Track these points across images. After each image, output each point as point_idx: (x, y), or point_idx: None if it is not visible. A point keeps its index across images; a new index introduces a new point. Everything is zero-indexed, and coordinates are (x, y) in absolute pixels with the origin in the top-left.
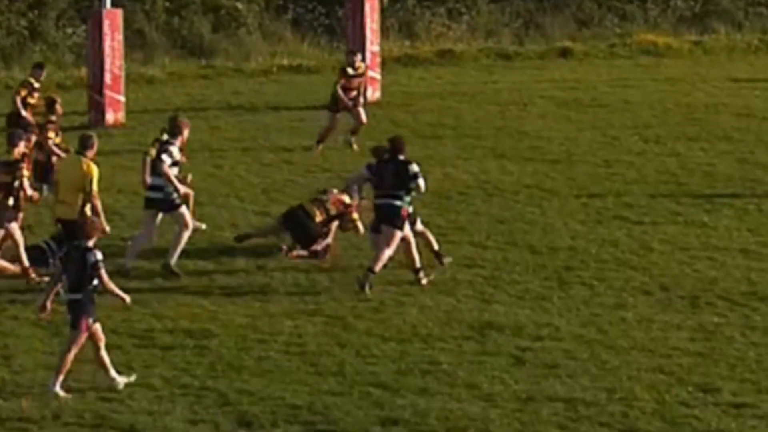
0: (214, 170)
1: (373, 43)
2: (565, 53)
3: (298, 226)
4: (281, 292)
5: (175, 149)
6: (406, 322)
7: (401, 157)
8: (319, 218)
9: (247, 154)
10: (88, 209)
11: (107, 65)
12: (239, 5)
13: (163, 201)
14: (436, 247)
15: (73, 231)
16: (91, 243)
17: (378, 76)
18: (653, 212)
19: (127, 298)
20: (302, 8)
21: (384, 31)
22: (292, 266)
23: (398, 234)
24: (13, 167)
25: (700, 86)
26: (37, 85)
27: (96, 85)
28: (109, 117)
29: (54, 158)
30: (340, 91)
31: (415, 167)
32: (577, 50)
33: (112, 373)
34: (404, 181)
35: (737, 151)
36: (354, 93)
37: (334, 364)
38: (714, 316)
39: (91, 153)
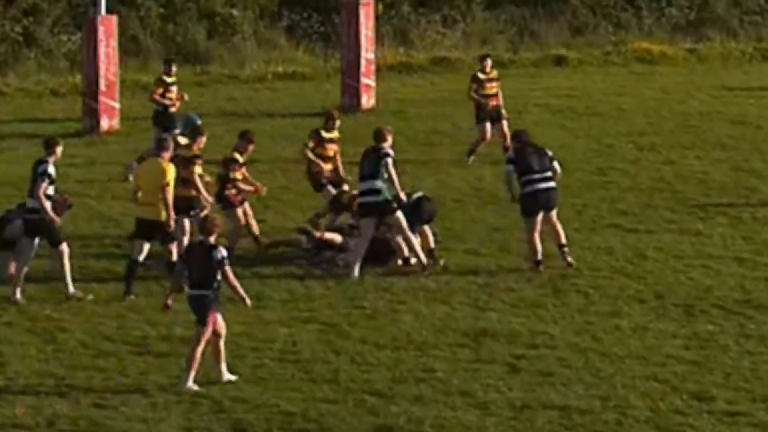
0: (208, 178)
1: (367, 51)
2: (559, 61)
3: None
4: (276, 299)
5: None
6: (401, 330)
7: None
8: None
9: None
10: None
11: (102, 72)
12: (234, 12)
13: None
14: (432, 246)
15: (152, 231)
16: (213, 239)
17: (372, 84)
18: (648, 220)
19: (248, 300)
20: (297, 15)
21: (379, 39)
22: (287, 273)
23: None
24: (191, 162)
25: (695, 94)
26: (170, 80)
27: (91, 91)
28: (104, 123)
29: None
30: (476, 96)
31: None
32: (572, 58)
33: (224, 366)
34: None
35: (732, 159)
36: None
37: (328, 371)
38: (708, 325)
39: (167, 154)
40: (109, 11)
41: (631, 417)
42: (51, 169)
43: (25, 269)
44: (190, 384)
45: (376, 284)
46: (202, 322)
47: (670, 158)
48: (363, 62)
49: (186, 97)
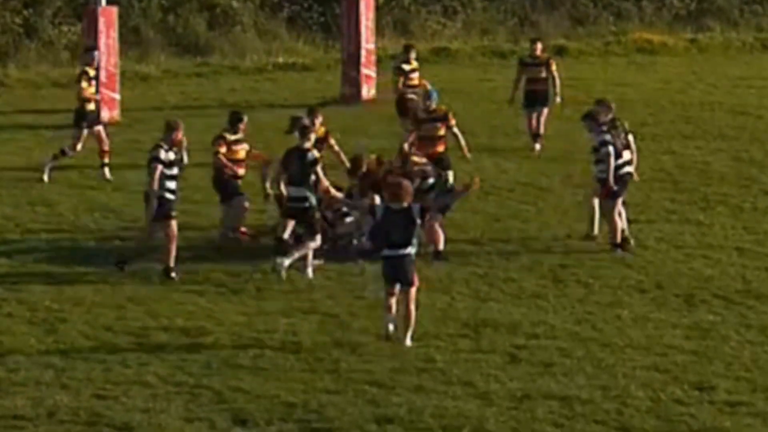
0: (209, 168)
1: (368, 41)
2: (560, 51)
3: None
4: (276, 290)
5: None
6: (402, 321)
7: None
8: None
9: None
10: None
11: (102, 63)
12: (234, 3)
13: None
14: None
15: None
16: (406, 204)
17: (373, 74)
18: (648, 210)
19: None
20: (297, 6)
21: (379, 29)
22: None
23: None
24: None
25: (696, 84)
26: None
27: None
28: (105, 115)
29: None
30: (520, 83)
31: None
32: (572, 48)
33: (411, 333)
34: None
35: (732, 149)
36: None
37: (329, 362)
38: (709, 315)
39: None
40: (109, 2)
41: (631, 407)
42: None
43: None
44: (408, 342)
45: (377, 275)
46: (409, 281)
47: (671, 148)
48: (363, 53)
49: None
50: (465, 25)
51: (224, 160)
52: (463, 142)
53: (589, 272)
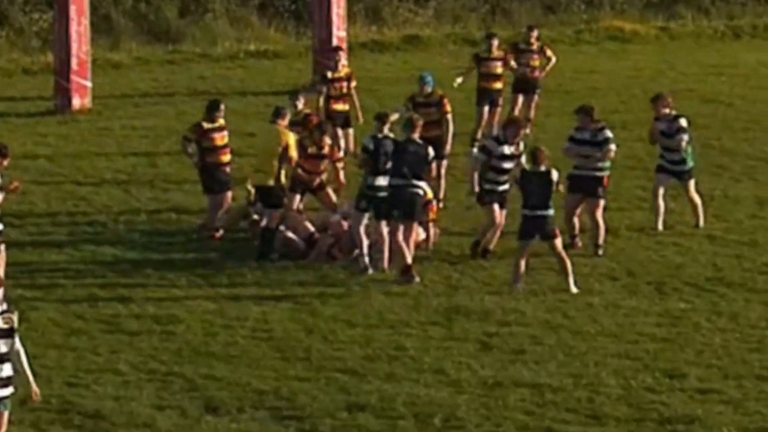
0: (180, 156)
1: (339, 29)
2: None
3: None
4: (248, 277)
5: None
6: (373, 308)
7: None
8: None
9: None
10: (283, 176)
11: (74, 50)
12: None
13: None
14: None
15: (268, 197)
16: (543, 167)
17: (345, 61)
18: (620, 198)
19: None
20: None
21: (351, 17)
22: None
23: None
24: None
25: (667, 72)
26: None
27: (62, 70)
28: (76, 102)
29: None
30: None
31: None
32: (544, 36)
33: (571, 280)
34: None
35: (703, 137)
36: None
37: (300, 349)
38: (680, 302)
39: (283, 122)
40: None
41: (603, 394)
42: None
43: None
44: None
45: (347, 264)
46: (551, 235)
47: (642, 136)
48: (335, 40)
49: None
50: (436, 13)
51: (186, 147)
52: (451, 129)
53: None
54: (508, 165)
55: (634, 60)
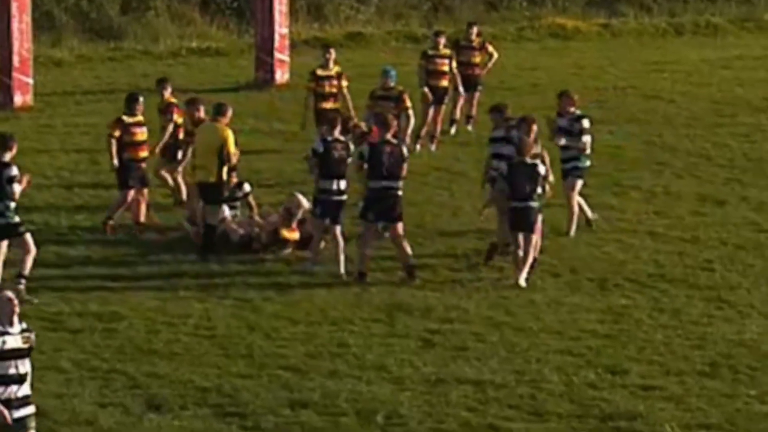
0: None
1: (281, 26)
2: None
3: None
4: (190, 275)
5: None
6: (315, 305)
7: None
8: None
9: (155, 136)
10: (224, 172)
11: (15, 47)
12: None
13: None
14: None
15: (209, 193)
16: (529, 159)
17: (286, 59)
18: (560, 195)
19: None
20: None
21: (293, 14)
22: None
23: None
24: None
25: (609, 69)
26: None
27: (4, 67)
28: (17, 99)
29: None
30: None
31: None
32: (486, 33)
33: (524, 274)
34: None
35: (645, 133)
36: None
37: (243, 346)
38: (622, 299)
39: (225, 120)
40: None
41: (545, 391)
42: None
43: None
44: (522, 281)
45: (291, 261)
46: (531, 228)
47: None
48: (277, 37)
49: None
50: (378, 10)
51: (112, 145)
52: (411, 124)
53: (503, 257)
54: (500, 150)
55: (576, 57)
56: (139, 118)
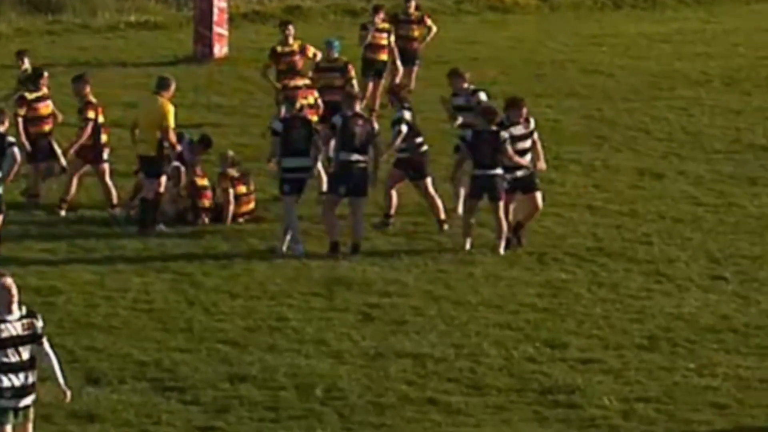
0: (59, 127)
1: (220, 0)
2: None
3: None
4: (129, 248)
5: None
6: (255, 279)
7: None
8: None
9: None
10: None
11: None
12: None
13: None
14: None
15: (151, 166)
16: (493, 127)
17: (225, 33)
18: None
19: None
20: None
21: None
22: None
23: None
24: None
25: (547, 43)
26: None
27: None
28: None
29: None
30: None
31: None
32: (425, 7)
33: (503, 243)
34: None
35: (584, 107)
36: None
37: (182, 320)
38: (561, 273)
39: (167, 93)
40: None
41: (484, 365)
42: None
43: None
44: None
45: (230, 234)
46: (498, 197)
47: None
48: (215, 11)
49: None
50: None
51: (19, 124)
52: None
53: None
54: (522, 145)
55: (515, 30)
56: (43, 92)
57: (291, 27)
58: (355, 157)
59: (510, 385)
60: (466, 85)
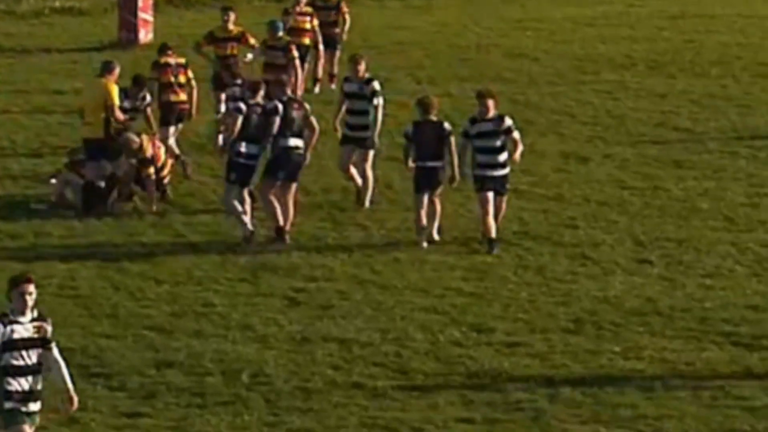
0: None
1: None
2: None
3: None
4: (55, 234)
5: None
6: (180, 265)
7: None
8: None
9: (20, 97)
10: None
11: None
12: None
13: None
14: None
15: (97, 149)
16: (435, 118)
17: (150, 18)
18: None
19: None
20: None
21: None
22: (65, 211)
23: None
24: None
25: (472, 27)
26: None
27: None
28: None
29: None
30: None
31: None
32: None
33: (436, 224)
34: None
35: (509, 91)
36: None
37: (108, 306)
38: (487, 257)
39: (111, 77)
40: None
41: (410, 349)
42: None
43: None
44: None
45: (156, 221)
46: (435, 187)
47: (448, 91)
48: None
49: None
50: None
51: None
52: (300, 74)
53: (368, 215)
54: (490, 143)
55: (439, 15)
56: None
57: (231, 13)
58: (294, 142)
59: (436, 369)
60: (361, 74)
